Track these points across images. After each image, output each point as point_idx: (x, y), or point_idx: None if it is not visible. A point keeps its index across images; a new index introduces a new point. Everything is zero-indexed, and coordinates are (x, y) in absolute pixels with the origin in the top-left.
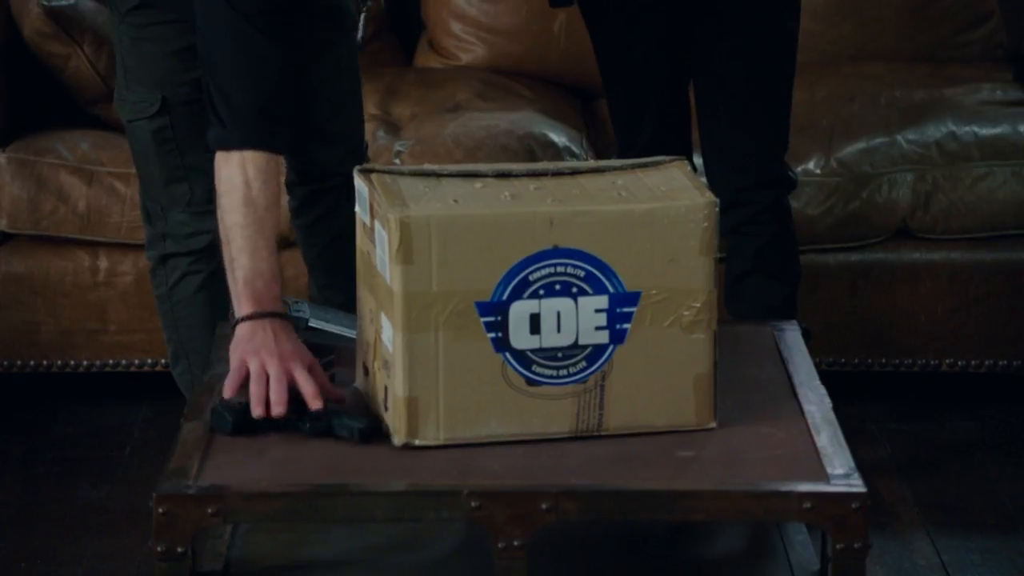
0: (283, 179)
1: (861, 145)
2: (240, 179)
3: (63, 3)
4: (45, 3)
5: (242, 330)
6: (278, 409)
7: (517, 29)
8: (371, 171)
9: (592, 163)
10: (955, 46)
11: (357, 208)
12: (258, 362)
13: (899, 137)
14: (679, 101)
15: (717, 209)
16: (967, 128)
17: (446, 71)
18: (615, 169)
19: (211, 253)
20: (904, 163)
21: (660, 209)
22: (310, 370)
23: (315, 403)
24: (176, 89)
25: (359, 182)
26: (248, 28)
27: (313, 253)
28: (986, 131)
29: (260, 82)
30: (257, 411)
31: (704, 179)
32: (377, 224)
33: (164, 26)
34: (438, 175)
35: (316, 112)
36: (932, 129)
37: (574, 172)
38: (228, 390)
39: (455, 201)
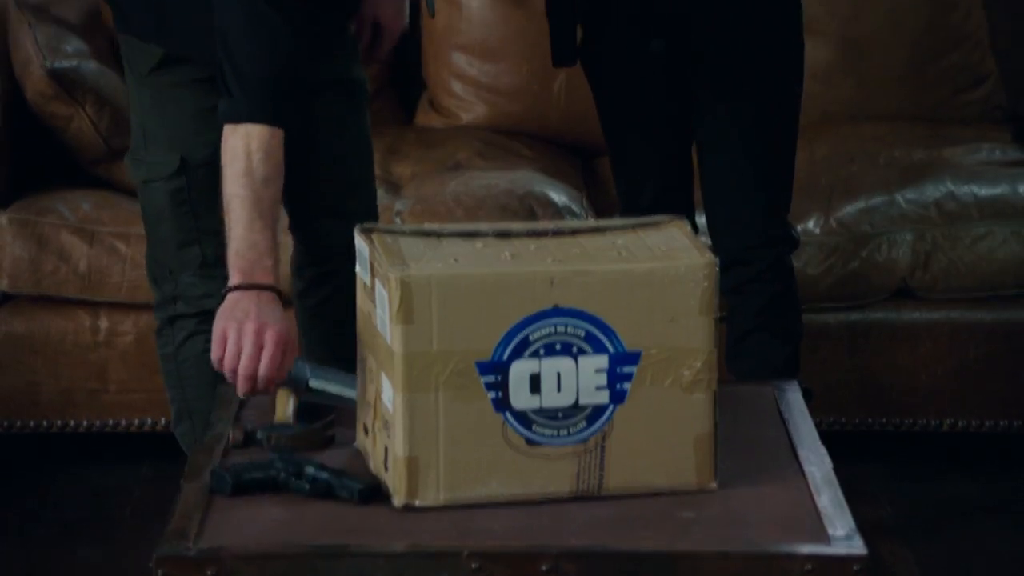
0: (291, 257)
1: (860, 205)
2: (243, 151)
3: (65, 64)
4: (48, 65)
5: (228, 300)
6: (243, 385)
7: (517, 89)
8: (371, 230)
9: (592, 222)
10: (954, 106)
11: (358, 268)
12: (236, 334)
13: (898, 197)
14: (681, 160)
15: (717, 269)
16: (966, 188)
17: (447, 130)
18: (615, 228)
19: None
20: (903, 223)
21: (660, 269)
22: (285, 352)
23: (266, 378)
24: (196, 151)
25: (360, 241)
26: (260, 2)
27: (314, 336)
28: (985, 191)
29: (269, 55)
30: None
31: (706, 238)
32: (378, 283)
33: (186, 87)
34: (438, 234)
35: (329, 189)
36: (931, 189)
37: (574, 232)
38: (218, 365)
39: (455, 260)
